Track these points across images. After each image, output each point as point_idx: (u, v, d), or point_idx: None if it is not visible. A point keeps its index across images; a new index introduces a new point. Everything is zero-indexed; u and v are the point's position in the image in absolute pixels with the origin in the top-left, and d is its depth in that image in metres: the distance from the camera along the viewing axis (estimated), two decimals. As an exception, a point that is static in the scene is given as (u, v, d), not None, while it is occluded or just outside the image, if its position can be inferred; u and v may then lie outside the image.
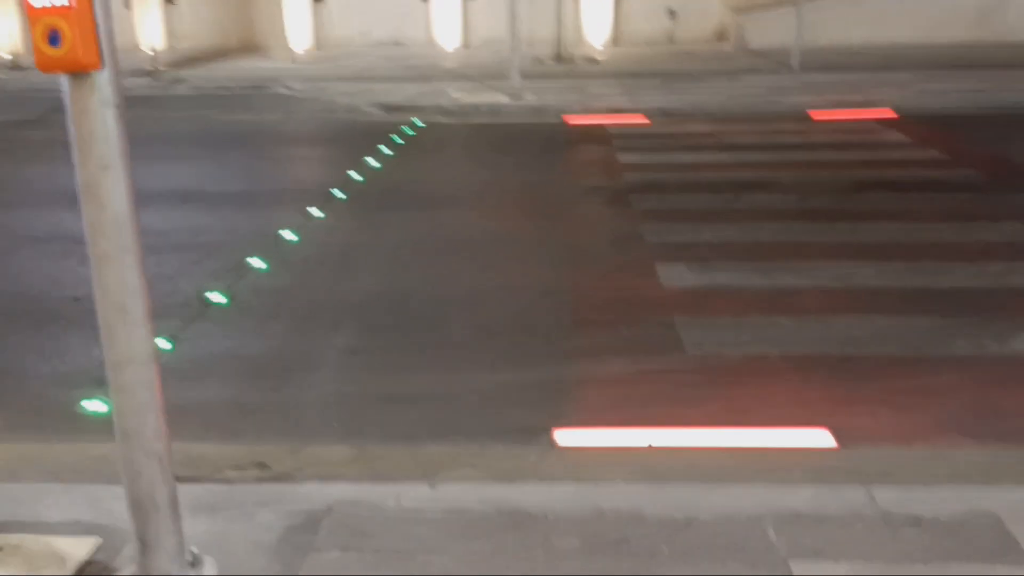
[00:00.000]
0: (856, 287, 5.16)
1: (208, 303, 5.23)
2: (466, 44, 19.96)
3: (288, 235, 6.49)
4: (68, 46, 1.98)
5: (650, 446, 3.51)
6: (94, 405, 3.95)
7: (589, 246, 6.18)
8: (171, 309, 5.05)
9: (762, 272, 5.44)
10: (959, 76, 13.35)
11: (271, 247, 6.21)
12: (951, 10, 17.05)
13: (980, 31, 17.06)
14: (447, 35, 19.89)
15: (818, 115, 10.93)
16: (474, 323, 4.89)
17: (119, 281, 2.20)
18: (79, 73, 2.04)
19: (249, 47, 19.18)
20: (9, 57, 17.18)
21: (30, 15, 2.00)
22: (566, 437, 3.59)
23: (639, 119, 11.18)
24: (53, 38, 1.99)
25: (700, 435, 3.57)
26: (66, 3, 1.97)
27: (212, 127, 11.36)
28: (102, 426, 3.68)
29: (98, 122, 2.06)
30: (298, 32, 18.58)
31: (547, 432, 3.63)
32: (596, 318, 4.88)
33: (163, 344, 4.54)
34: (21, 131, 11.00)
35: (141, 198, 2.28)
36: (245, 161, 9.47)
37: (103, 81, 2.06)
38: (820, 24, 14.34)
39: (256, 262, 5.90)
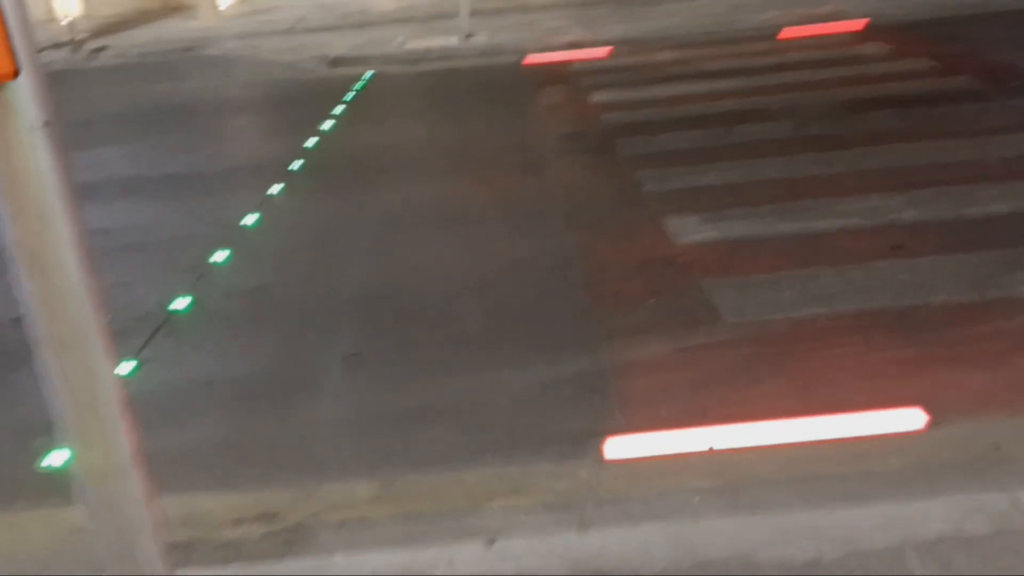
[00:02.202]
0: (887, 224, 4.71)
1: (173, 313, 4.60)
2: (401, -15, 18.91)
3: (250, 221, 5.83)
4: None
5: (711, 449, 3.04)
6: (58, 458, 3.36)
7: (586, 203, 5.64)
8: (130, 324, 4.42)
9: (781, 216, 4.97)
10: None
11: (234, 238, 5.56)
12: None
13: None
14: (380, -23, 18.80)
15: (788, 33, 10.40)
16: (484, 310, 4.35)
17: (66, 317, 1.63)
18: (-15, 88, 1.43)
19: (172, 7, 17.94)
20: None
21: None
22: (617, 446, 3.10)
23: (601, 52, 10.55)
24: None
25: (768, 429, 3.10)
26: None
27: (143, 100, 10.46)
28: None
29: (25, 156, 1.46)
30: (221, -13, 17.38)
31: (594, 439, 3.14)
32: (615, 289, 4.37)
33: (125, 368, 3.94)
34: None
35: (75, 192, 1.70)
36: (185, 137, 8.66)
37: (23, 94, 1.45)
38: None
39: (219, 257, 5.26)
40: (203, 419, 3.62)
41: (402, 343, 4.10)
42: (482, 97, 9.15)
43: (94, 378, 1.70)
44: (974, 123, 6.25)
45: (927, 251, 4.34)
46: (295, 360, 4.03)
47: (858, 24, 10.28)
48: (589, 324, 4.06)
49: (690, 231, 4.91)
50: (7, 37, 1.38)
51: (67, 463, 3.31)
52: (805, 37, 10.18)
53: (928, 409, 3.06)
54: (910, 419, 3.02)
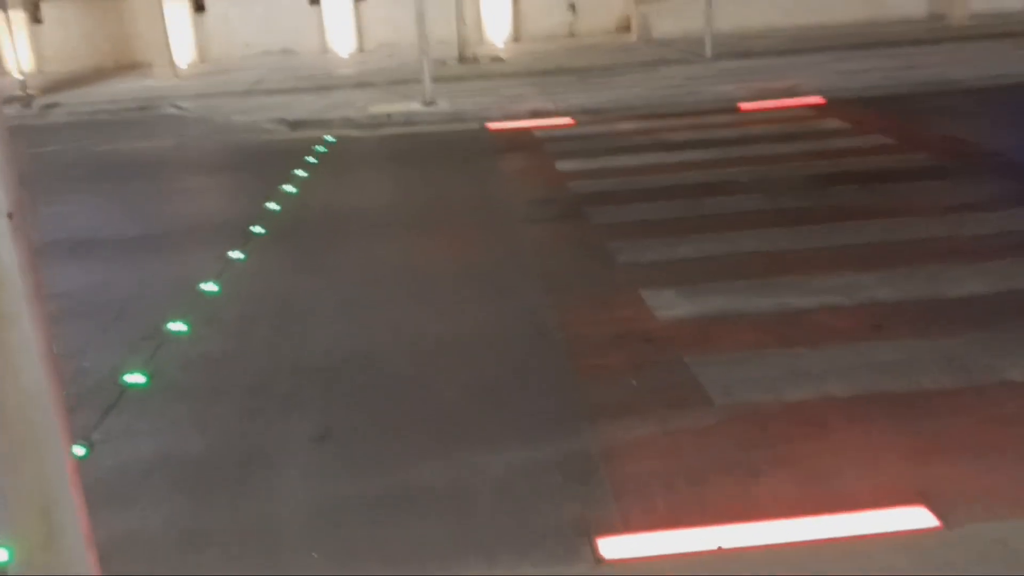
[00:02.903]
0: (866, 302, 4.67)
1: (126, 386, 4.32)
2: (361, 48, 19.03)
3: (209, 287, 5.59)
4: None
5: (720, 548, 2.88)
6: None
7: (559, 272, 5.53)
8: (81, 398, 4.14)
9: (757, 291, 4.91)
10: (867, 55, 13.32)
11: (191, 304, 5.31)
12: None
13: (867, 10, 17.32)
14: (340, 40, 18.92)
15: (747, 106, 10.58)
16: (459, 381, 4.17)
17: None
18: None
19: (127, 65, 17.74)
20: None
21: None
22: (612, 547, 2.92)
23: (563, 121, 10.60)
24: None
25: (776, 528, 2.94)
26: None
27: (97, 158, 10.19)
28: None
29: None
30: (178, 46, 17.27)
31: (585, 537, 2.95)
32: (597, 364, 4.23)
33: (75, 451, 3.66)
34: None
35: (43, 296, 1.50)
36: (141, 197, 8.41)
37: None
38: (719, 11, 14.24)
39: (177, 325, 5.00)
40: (158, 505, 3.35)
41: (370, 419, 3.89)
42: (447, 162, 9.08)
43: (48, 469, 1.48)
44: (939, 200, 6.32)
45: (909, 332, 4.29)
46: (258, 439, 3.78)
47: (816, 100, 10.52)
48: (570, 401, 3.90)
49: (667, 304, 4.81)
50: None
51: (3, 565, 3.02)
52: (763, 110, 10.37)
53: (932, 504, 2.94)
54: (916, 518, 2.89)
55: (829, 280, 4.97)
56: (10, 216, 1.27)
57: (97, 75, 17.11)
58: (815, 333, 4.34)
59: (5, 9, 14.78)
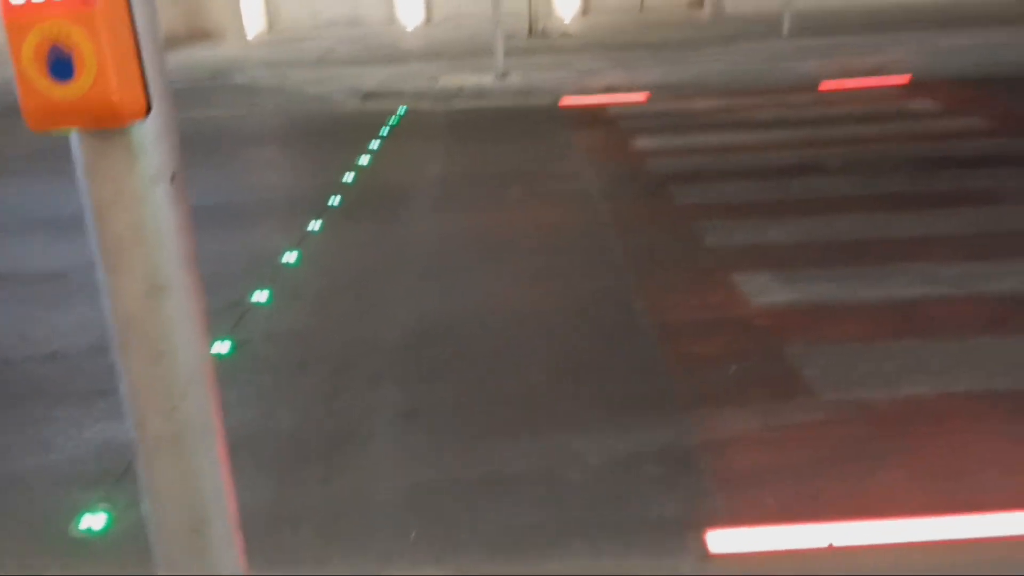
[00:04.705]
0: (982, 294, 4.41)
1: (214, 357, 4.28)
2: (428, 20, 18.91)
3: (289, 258, 5.55)
4: (90, 78, 1.07)
5: (831, 545, 2.72)
6: (96, 521, 3.04)
7: (648, 251, 5.35)
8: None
9: (862, 280, 4.67)
10: (953, 34, 12.75)
11: (273, 276, 5.27)
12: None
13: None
14: (407, 12, 18.82)
15: (830, 85, 10.20)
16: (548, 360, 4.04)
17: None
18: (109, 130, 1.13)
19: (198, 34, 17.88)
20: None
21: (8, 23, 1.10)
22: (721, 540, 2.78)
23: (638, 97, 10.34)
24: (59, 64, 1.08)
25: (894, 527, 2.77)
26: (81, -1, 1.05)
27: (171, 126, 10.24)
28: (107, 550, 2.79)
29: (145, 213, 1.16)
30: (248, 15, 17.36)
31: (692, 531, 2.82)
32: (691, 351, 4.06)
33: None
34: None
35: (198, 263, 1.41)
36: (215, 168, 8.41)
37: (150, 139, 1.15)
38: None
39: (259, 296, 4.96)
40: (246, 483, 3.30)
41: (457, 395, 3.79)
42: (521, 136, 8.91)
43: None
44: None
45: (1030, 326, 4.04)
46: (341, 414, 3.71)
47: (902, 79, 10.08)
48: (664, 388, 3.74)
49: (763, 290, 4.61)
50: (140, 67, 1.09)
51: (106, 527, 3.00)
52: (848, 90, 9.98)
53: (1071, 512, 2.74)
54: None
55: (941, 269, 4.71)
56: (173, 178, 1.17)
57: (168, 43, 17.27)
58: (927, 325, 4.11)
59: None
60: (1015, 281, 4.51)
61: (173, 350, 1.24)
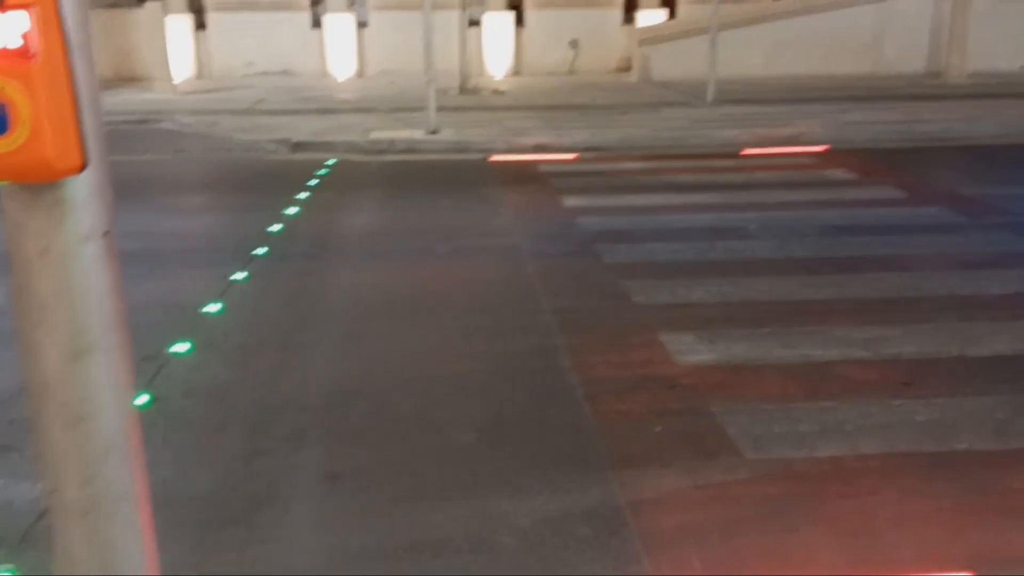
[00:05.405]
0: (891, 357, 4.58)
1: (128, 410, 4.13)
2: (360, 73, 19.02)
3: (212, 309, 5.43)
4: (24, 133, 1.05)
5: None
6: (-7, 587, 2.86)
7: (572, 310, 5.40)
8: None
9: (779, 340, 4.81)
10: (869, 107, 13.42)
11: (194, 327, 5.14)
12: (839, 44, 17.50)
13: (864, 64, 17.60)
14: (340, 64, 18.89)
15: (751, 152, 10.59)
16: (473, 420, 4.01)
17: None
18: (41, 184, 1.10)
19: (127, 78, 17.59)
20: None
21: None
22: (654, 602, 2.78)
23: (567, 156, 10.56)
24: (-10, 119, 1.05)
25: (816, 585, 2.83)
26: (19, 45, 1.03)
27: (92, 170, 9.98)
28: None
29: (73, 272, 1.13)
30: (179, 62, 17.17)
31: (623, 591, 2.82)
32: (618, 410, 4.10)
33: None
34: None
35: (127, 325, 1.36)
36: (139, 213, 8.21)
37: (83, 195, 1.13)
38: (720, 56, 14.34)
39: (179, 348, 4.83)
40: (161, 547, 3.16)
41: (382, 457, 3.72)
42: (451, 191, 8.97)
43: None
44: (959, 256, 6.29)
45: (939, 390, 4.19)
46: (260, 474, 3.60)
47: (820, 148, 10.54)
48: (592, 448, 3.75)
49: (688, 350, 4.70)
50: (78, 122, 1.07)
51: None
52: (768, 155, 10.38)
53: (979, 570, 2.83)
54: (966, 584, 2.78)
55: (852, 332, 4.88)
56: (105, 235, 1.14)
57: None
58: (843, 387, 4.24)
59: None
60: (920, 345, 4.71)
61: (93, 414, 1.20)
